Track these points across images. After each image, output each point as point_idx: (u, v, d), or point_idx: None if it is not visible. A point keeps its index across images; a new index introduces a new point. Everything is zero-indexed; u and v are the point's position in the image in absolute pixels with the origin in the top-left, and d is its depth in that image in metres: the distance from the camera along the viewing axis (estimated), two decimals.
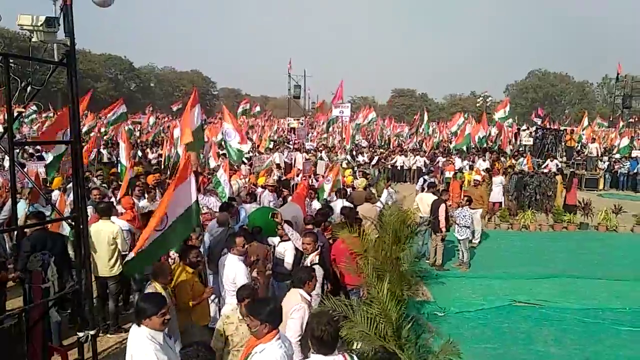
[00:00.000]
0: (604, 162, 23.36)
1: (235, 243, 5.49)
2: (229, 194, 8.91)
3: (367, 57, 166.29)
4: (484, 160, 19.27)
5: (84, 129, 20.14)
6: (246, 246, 5.66)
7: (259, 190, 10.57)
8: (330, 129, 31.78)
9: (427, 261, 10.51)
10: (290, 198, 10.36)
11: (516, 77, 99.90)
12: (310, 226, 7.24)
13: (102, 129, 22.87)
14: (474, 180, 12.57)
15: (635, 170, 21.96)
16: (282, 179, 12.96)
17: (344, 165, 19.54)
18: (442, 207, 10.01)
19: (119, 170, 10.18)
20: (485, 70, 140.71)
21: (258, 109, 30.03)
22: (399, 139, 31.57)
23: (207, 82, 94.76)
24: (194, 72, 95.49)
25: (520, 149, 24.55)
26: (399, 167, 22.98)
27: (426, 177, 15.33)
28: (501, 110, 21.99)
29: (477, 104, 52.50)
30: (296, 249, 6.58)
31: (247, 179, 11.72)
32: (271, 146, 22.10)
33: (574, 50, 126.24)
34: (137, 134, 27.19)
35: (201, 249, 6.65)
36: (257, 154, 18.42)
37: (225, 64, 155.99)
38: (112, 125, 18.04)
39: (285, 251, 6.62)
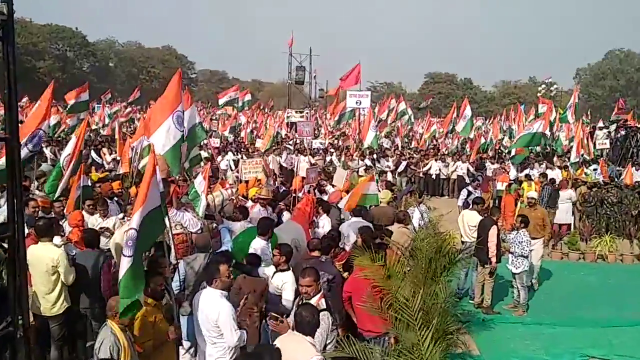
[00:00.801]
0: None
1: (218, 272, 5.47)
2: (202, 210, 8.84)
3: (393, 31, 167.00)
4: (552, 169, 19.14)
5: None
6: (231, 277, 5.66)
7: (250, 204, 10.57)
8: (341, 124, 31.77)
9: (471, 301, 10.48)
10: (287, 215, 10.34)
11: (590, 59, 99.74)
12: (316, 253, 7.24)
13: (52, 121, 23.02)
14: (529, 199, 12.04)
15: None
16: (280, 189, 12.94)
17: (361, 172, 19.56)
18: (493, 231, 9.96)
19: (55, 171, 10.13)
20: (549, 50, 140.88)
21: (248, 97, 29.88)
22: (434, 139, 31.48)
23: (183, 61, 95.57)
24: (165, 48, 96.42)
25: (596, 153, 24.42)
26: (433, 176, 22.94)
27: (471, 189, 15.29)
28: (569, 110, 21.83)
29: (539, 94, 52.47)
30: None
31: (234, 189, 11.70)
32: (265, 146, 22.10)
33: None
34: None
35: (175, 282, 6.67)
36: (244, 157, 18.48)
37: (206, 39, 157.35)
38: (69, 114, 18.28)
39: (284, 284, 6.63)
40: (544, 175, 17.09)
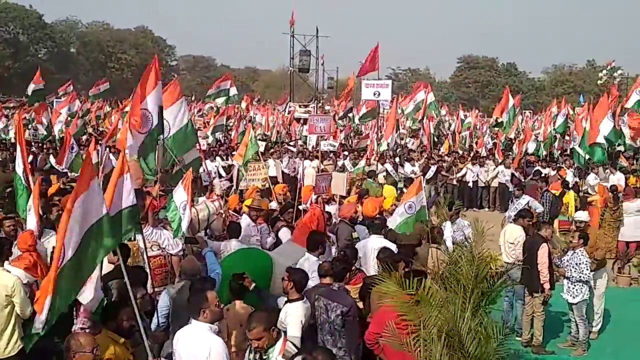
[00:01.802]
0: None
1: (206, 301, 5.52)
2: (185, 227, 8.76)
3: (417, 6, 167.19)
4: (613, 173, 19.01)
5: None
6: (220, 306, 5.68)
7: (244, 219, 10.56)
8: (352, 120, 31.52)
9: (518, 338, 10.41)
10: (286, 232, 10.27)
11: None
12: (327, 280, 7.26)
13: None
14: (577, 222, 11.63)
15: None
16: (283, 202, 12.96)
17: (380, 179, 19.52)
18: (543, 250, 9.94)
19: (15, 184, 10.19)
20: (610, 26, 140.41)
21: (233, 90, 29.03)
22: (470, 137, 31.42)
23: (160, 46, 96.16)
24: (139, 30, 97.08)
25: None
26: (470, 184, 22.88)
27: (520, 199, 15.27)
28: (634, 95, 21.52)
29: (599, 81, 52.30)
30: (310, 312, 6.64)
31: (222, 202, 11.65)
32: (261, 148, 22.18)
33: None
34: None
35: (156, 319, 6.68)
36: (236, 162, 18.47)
37: (188, 18, 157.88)
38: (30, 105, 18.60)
39: (288, 317, 6.65)
40: (539, 174, 17.14)
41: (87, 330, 5.84)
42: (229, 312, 6.56)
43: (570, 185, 17.61)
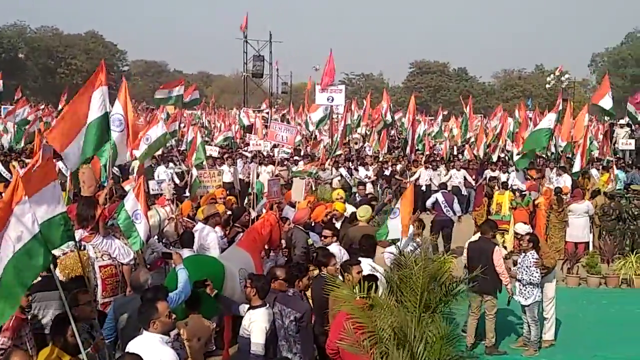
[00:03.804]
0: None
1: (156, 311, 5.45)
2: (143, 237, 8.52)
3: (369, 11, 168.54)
4: (559, 175, 19.31)
5: None
6: (172, 317, 5.61)
7: (199, 226, 10.35)
8: (311, 127, 31.55)
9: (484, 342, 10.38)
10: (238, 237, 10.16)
11: (607, 43, 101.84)
12: (282, 286, 7.21)
13: None
14: (519, 236, 11.02)
15: None
16: (235, 206, 12.84)
17: (335, 184, 19.54)
18: (498, 254, 10.05)
19: None
20: (558, 32, 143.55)
21: (195, 95, 28.75)
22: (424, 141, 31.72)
23: (112, 51, 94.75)
24: (90, 34, 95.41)
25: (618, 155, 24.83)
26: (423, 187, 23.00)
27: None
28: (606, 98, 21.56)
29: (547, 85, 53.37)
30: (272, 317, 6.63)
31: (173, 207, 11.39)
32: (215, 154, 21.97)
33: None
34: None
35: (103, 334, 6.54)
36: (189, 167, 18.23)
37: (139, 23, 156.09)
38: None
39: (252, 324, 6.61)
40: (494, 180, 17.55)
41: (8, 350, 5.71)
42: (186, 325, 6.50)
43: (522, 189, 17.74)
